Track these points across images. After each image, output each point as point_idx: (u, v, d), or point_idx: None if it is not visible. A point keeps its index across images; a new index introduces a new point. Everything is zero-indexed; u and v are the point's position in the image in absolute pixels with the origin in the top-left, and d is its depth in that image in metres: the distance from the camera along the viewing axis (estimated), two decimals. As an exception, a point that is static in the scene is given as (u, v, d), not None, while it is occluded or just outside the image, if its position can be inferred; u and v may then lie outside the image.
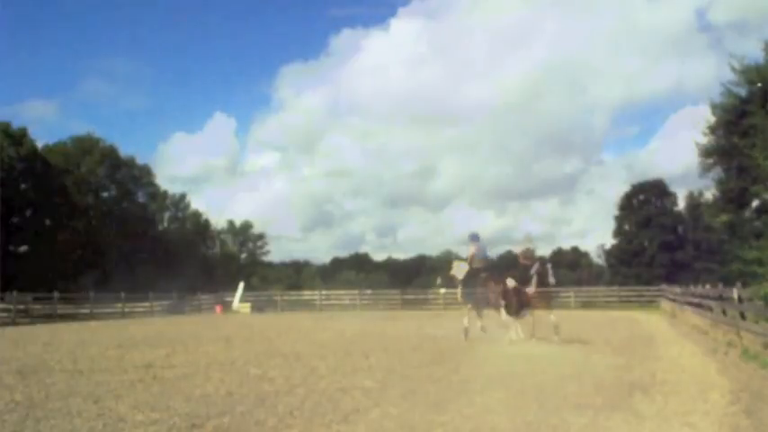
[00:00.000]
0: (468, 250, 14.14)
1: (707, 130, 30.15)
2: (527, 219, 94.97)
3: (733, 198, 28.63)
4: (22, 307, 25.32)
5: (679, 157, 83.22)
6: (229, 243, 66.44)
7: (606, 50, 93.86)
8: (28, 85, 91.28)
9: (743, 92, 27.83)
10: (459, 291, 13.95)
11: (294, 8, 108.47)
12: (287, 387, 7.32)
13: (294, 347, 12.29)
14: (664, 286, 30.32)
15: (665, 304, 26.06)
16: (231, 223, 66.96)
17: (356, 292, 36.81)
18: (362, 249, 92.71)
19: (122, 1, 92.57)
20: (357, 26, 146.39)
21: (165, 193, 57.05)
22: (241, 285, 36.02)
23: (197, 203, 70.86)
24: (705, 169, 30.55)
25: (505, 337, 12.51)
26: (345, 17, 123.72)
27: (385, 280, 65.22)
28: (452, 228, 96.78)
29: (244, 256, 66.92)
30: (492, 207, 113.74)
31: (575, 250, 77.50)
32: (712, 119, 29.83)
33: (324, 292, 38.29)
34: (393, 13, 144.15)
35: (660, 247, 48.01)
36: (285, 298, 37.60)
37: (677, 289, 23.66)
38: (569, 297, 31.90)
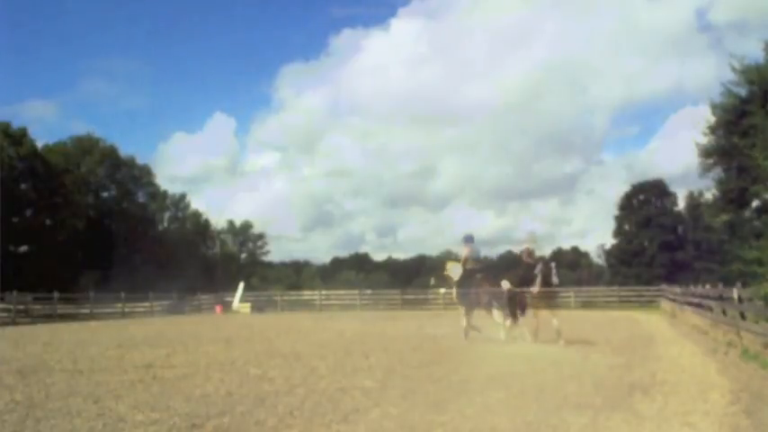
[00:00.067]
0: (462, 252, 14.28)
1: (707, 130, 30.18)
2: (527, 219, 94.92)
3: (733, 198, 28.64)
4: (22, 307, 25.30)
5: (679, 157, 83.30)
6: (229, 243, 66.46)
7: (606, 50, 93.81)
8: (28, 85, 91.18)
9: (743, 92, 27.85)
10: (454, 291, 14.07)
11: (294, 8, 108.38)
12: (287, 387, 7.32)
13: (294, 347, 12.29)
14: (664, 286, 30.32)
15: (665, 304, 26.05)
16: (231, 223, 67.06)
17: (356, 292, 36.79)
18: (362, 249, 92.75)
19: (122, 1, 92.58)
20: (357, 26, 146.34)
21: (165, 193, 57.14)
22: (241, 285, 36.02)
23: (197, 203, 70.90)
24: (705, 169, 30.58)
25: (495, 336, 12.65)
26: (345, 17, 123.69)
27: (385, 280, 65.25)
28: (452, 228, 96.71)
29: (244, 256, 66.95)
30: (492, 207, 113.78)
31: (575, 250, 77.51)
32: (712, 119, 29.87)
33: (324, 292, 38.28)
34: (393, 13, 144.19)
35: (660, 247, 48.03)
36: (285, 298, 37.59)
37: (677, 289, 23.65)
38: (569, 297, 31.84)
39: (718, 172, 30.22)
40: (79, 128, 72.66)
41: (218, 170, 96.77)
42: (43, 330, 19.21)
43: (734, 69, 27.73)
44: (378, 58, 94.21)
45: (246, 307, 33.34)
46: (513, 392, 6.75)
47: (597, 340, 13.03)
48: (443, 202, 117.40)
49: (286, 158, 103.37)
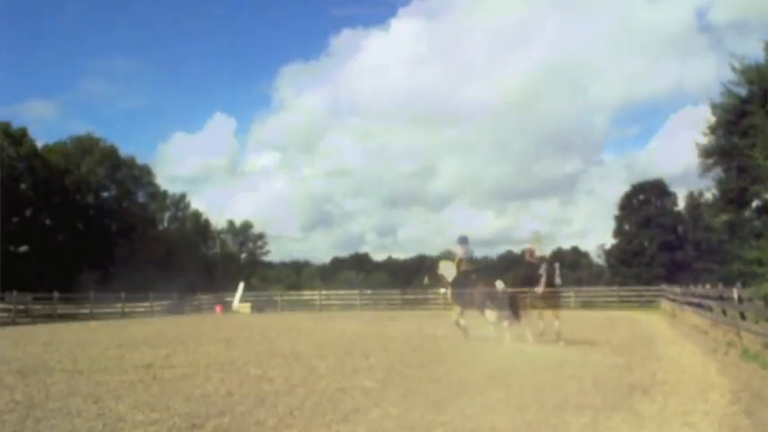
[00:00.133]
0: (457, 252, 14.36)
1: (707, 130, 30.15)
2: (527, 219, 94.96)
3: (733, 198, 28.62)
4: (22, 307, 25.30)
5: (679, 157, 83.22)
6: (229, 243, 66.42)
7: (606, 51, 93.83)
8: (28, 85, 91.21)
9: (743, 92, 27.82)
10: (449, 291, 14.12)
11: (294, 8, 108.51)
12: (287, 387, 7.32)
13: (294, 347, 12.29)
14: (664, 286, 30.31)
15: (665, 304, 26.05)
16: (231, 223, 67.04)
17: (356, 292, 36.78)
18: (362, 249, 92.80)
19: (122, 1, 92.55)
20: (357, 26, 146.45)
21: (165, 193, 57.11)
22: (241, 285, 36.01)
23: (197, 203, 70.81)
24: (705, 169, 30.53)
25: (484, 334, 12.76)
26: (345, 17, 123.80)
27: (385, 280, 65.27)
28: (452, 228, 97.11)
29: (244, 256, 66.93)
30: (492, 207, 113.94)
31: (575, 250, 77.46)
32: (712, 119, 29.83)
33: (324, 293, 38.27)
34: (393, 13, 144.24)
35: (660, 247, 48.03)
36: (285, 298, 37.58)
37: (677, 289, 23.65)
38: (569, 297, 31.80)
39: (718, 172, 30.19)
40: (79, 128, 72.62)
41: (218, 170, 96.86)
42: (43, 330, 19.21)
43: (734, 69, 27.72)
44: (378, 58, 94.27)
45: (246, 307, 33.34)
46: (513, 392, 6.75)
47: (597, 340, 13.03)
48: (443, 202, 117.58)
49: (286, 158, 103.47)
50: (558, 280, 12.45)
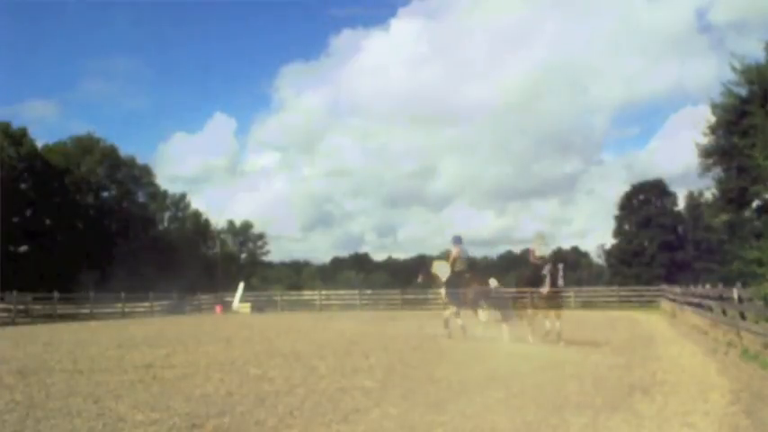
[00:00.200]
0: (452, 252, 14.42)
1: (707, 130, 30.16)
2: (527, 219, 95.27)
3: (733, 198, 28.62)
4: (22, 307, 25.29)
5: (679, 157, 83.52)
6: (229, 243, 66.43)
7: (606, 51, 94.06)
8: (28, 85, 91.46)
9: (743, 92, 27.82)
10: (443, 291, 14.12)
11: (294, 8, 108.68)
12: (287, 387, 7.32)
13: (294, 347, 12.29)
14: (664, 286, 30.31)
15: (665, 304, 26.05)
16: (231, 223, 67.09)
17: (356, 292, 36.78)
18: (362, 249, 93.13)
19: (122, 1, 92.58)
20: (357, 26, 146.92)
21: (165, 193, 57.15)
22: (241, 285, 35.99)
23: (197, 203, 70.93)
24: (705, 169, 30.55)
25: (472, 334, 12.87)
26: (345, 17, 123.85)
27: (385, 280, 65.29)
28: (452, 228, 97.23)
29: (244, 256, 66.94)
30: (492, 207, 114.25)
31: (575, 250, 77.52)
32: (712, 119, 29.84)
33: (324, 292, 38.25)
34: (393, 13, 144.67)
35: (660, 247, 48.03)
36: (285, 298, 37.57)
37: (677, 289, 23.65)
38: (569, 297, 31.81)
39: (718, 172, 30.20)
40: (79, 128, 72.78)
41: (218, 170, 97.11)
42: (43, 330, 19.21)
43: (734, 69, 27.72)
44: (378, 59, 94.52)
45: (246, 307, 33.32)
46: (513, 392, 6.75)
47: (597, 340, 13.03)
48: (443, 202, 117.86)
49: (286, 158, 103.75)
50: (560, 282, 12.43)
